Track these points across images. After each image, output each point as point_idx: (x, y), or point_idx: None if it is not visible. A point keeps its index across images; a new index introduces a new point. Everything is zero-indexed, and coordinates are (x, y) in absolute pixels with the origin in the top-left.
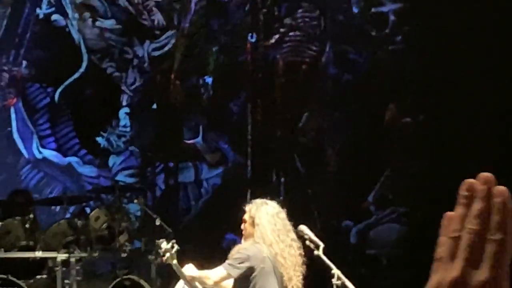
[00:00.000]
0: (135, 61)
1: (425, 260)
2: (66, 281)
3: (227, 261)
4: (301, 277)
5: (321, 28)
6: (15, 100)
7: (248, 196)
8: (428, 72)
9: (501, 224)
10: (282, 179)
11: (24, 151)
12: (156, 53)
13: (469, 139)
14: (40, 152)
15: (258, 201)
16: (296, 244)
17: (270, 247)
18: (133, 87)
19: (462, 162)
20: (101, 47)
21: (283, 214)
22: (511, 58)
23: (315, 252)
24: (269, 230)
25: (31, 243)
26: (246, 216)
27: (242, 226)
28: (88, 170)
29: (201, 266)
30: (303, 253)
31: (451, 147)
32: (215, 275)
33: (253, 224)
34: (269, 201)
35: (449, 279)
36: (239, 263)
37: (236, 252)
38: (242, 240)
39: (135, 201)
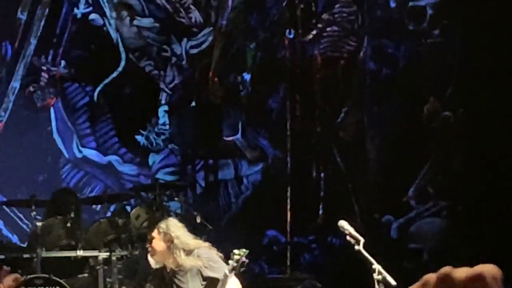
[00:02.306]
0: (173, 59)
1: (466, 253)
2: (108, 279)
3: (226, 271)
4: None
5: (359, 23)
6: (54, 100)
7: (288, 192)
8: (467, 65)
9: None
10: (322, 174)
11: (64, 151)
12: (194, 51)
13: (509, 133)
14: (80, 152)
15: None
16: None
17: None
18: (171, 85)
19: (502, 155)
20: (139, 45)
21: None
22: None
23: (356, 247)
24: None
25: (73, 242)
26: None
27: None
28: (128, 169)
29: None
30: None
31: (491, 141)
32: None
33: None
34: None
35: (436, 275)
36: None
37: (213, 260)
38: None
39: (176, 199)
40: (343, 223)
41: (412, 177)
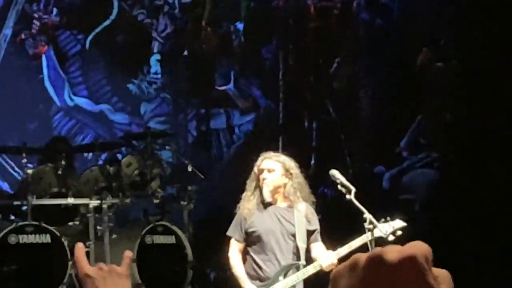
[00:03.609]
0: (166, 8)
1: (458, 204)
2: (99, 227)
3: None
4: None
5: None
6: (46, 47)
7: (280, 142)
8: (460, 15)
9: None
10: (314, 125)
11: (56, 99)
12: (187, 0)
13: (501, 85)
14: (71, 100)
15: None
16: None
17: None
18: (164, 34)
19: (495, 106)
20: None
21: None
22: None
23: (347, 197)
24: None
25: (64, 190)
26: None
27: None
28: (119, 117)
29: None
30: None
31: (484, 92)
32: None
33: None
34: None
35: (366, 255)
36: None
37: (315, 216)
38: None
39: (167, 147)
40: (335, 172)
41: (404, 128)
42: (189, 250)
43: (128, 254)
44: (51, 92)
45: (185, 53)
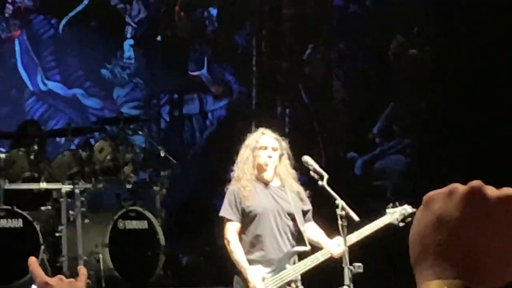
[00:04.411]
0: None
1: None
2: (71, 212)
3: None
4: None
5: None
6: (19, 32)
7: (253, 128)
8: (434, 3)
9: None
10: (287, 111)
11: (28, 83)
12: None
13: (475, 71)
14: (45, 84)
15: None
16: None
17: None
18: (137, 19)
19: (467, 93)
20: None
21: None
22: None
23: (319, 183)
24: None
25: (36, 174)
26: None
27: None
28: (92, 102)
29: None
30: None
31: (456, 78)
32: None
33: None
34: None
35: (466, 186)
36: None
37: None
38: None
39: (140, 132)
40: (307, 158)
41: (377, 114)
42: (161, 235)
43: (83, 271)
44: (24, 77)
45: (159, 38)
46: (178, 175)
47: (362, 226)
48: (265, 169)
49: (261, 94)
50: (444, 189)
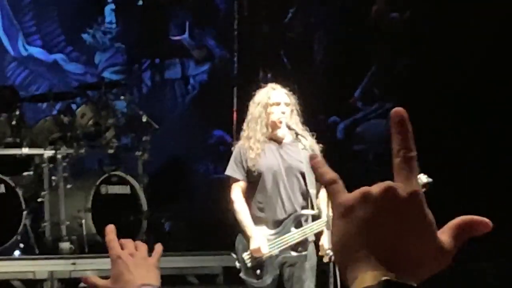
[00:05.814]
0: None
1: None
2: (53, 177)
3: None
4: None
5: None
6: None
7: (235, 92)
8: None
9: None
10: (269, 75)
11: (9, 48)
12: None
13: (455, 35)
14: (25, 49)
15: None
16: None
17: None
18: None
19: (448, 57)
20: None
21: None
22: None
23: (300, 146)
24: None
25: (18, 140)
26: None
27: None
28: (74, 67)
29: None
30: None
31: (438, 43)
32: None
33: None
34: None
35: (379, 188)
36: None
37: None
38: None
39: (122, 97)
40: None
41: (358, 78)
42: (143, 200)
43: (159, 249)
44: (4, 42)
45: (140, 2)
46: (160, 140)
47: None
48: (279, 126)
49: (242, 59)
50: (356, 195)
